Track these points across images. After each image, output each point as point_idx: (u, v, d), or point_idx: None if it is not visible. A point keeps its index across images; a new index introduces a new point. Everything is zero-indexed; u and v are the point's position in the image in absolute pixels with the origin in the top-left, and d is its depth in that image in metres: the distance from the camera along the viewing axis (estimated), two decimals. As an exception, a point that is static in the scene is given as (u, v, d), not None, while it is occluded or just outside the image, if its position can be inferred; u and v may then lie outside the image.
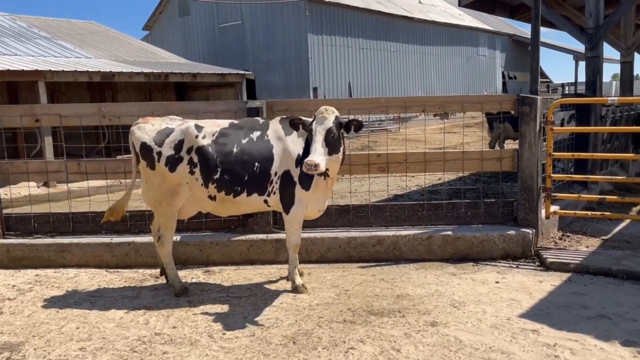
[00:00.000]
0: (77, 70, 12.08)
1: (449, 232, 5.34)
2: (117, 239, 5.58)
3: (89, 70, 12.38)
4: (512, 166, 5.55)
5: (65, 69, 11.91)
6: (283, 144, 4.41)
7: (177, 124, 4.56)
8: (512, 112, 6.13)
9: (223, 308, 4.24)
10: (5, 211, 5.92)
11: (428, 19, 28.79)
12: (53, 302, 4.46)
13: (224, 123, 4.61)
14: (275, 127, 4.53)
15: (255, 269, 5.21)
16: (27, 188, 8.78)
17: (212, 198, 4.46)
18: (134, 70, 13.39)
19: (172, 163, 4.38)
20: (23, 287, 4.86)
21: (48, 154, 10.80)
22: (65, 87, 14.71)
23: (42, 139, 10.86)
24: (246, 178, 4.37)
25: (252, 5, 23.48)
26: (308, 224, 5.62)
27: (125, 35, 21.09)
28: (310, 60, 22.48)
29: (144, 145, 4.43)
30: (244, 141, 4.43)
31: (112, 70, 12.88)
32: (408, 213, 5.63)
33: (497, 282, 4.63)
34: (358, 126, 4.22)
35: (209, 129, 4.48)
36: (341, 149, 4.25)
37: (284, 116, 4.68)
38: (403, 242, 5.33)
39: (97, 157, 11.43)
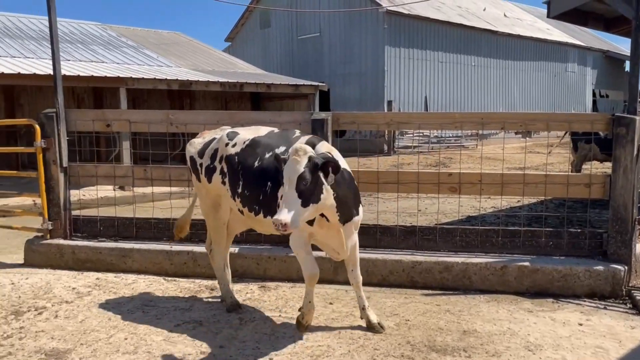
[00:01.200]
0: (156, 77, 12.50)
1: (527, 263, 4.82)
2: (176, 247, 5.52)
3: (168, 78, 12.77)
4: (603, 193, 4.94)
5: (145, 77, 12.36)
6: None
7: (220, 134, 4.38)
8: (601, 133, 5.51)
9: (274, 329, 4.00)
10: (74, 213, 6.06)
11: (513, 32, 27.61)
12: (107, 309, 4.42)
13: (263, 131, 4.27)
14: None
15: (312, 288, 4.94)
16: (105, 191, 9.09)
17: (242, 212, 4.12)
18: (210, 79, 13.68)
19: (209, 173, 4.24)
20: (82, 291, 4.89)
21: (125, 158, 11.19)
22: (146, 95, 15.32)
23: (120, 144, 11.28)
24: (261, 197, 3.92)
25: (330, 17, 23.56)
26: (370, 244, 5.32)
27: (207, 46, 21.80)
28: (386, 73, 22.16)
29: (191, 159, 4.42)
30: (267, 155, 3.99)
31: (190, 79, 13.22)
32: (481, 238, 5.16)
33: (581, 325, 4.07)
34: (335, 168, 3.38)
35: (241, 137, 4.18)
36: (323, 195, 3.42)
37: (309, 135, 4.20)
38: (473, 271, 4.86)
39: (173, 163, 11.76)
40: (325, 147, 3.75)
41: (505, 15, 30.29)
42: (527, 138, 24.38)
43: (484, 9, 28.83)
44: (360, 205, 3.93)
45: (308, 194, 3.32)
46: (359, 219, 3.91)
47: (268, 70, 22.43)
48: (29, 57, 13.10)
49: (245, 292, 4.86)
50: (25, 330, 3.96)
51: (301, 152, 3.37)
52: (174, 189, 6.04)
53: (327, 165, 3.37)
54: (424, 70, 23.70)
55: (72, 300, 4.62)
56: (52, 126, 5.85)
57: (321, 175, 3.37)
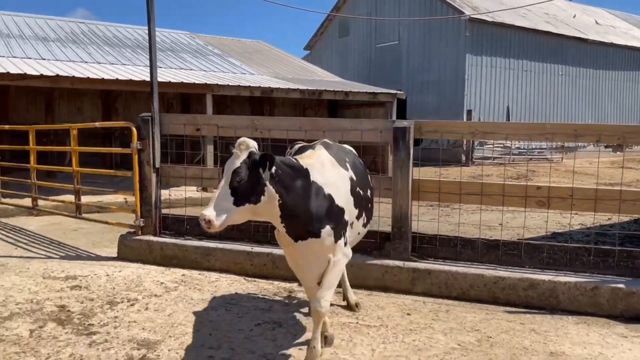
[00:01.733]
0: (240, 85, 12.95)
1: (621, 285, 4.51)
2: (257, 249, 5.68)
3: (251, 85, 13.19)
4: None
5: (230, 84, 12.84)
6: None
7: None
8: None
9: (351, 336, 4.01)
10: (163, 211, 6.40)
11: (605, 40, 26.07)
12: (193, 304, 4.62)
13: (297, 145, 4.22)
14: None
15: (388, 297, 4.91)
16: (189, 192, 9.53)
17: None
18: (290, 87, 13.98)
19: None
20: (169, 286, 5.15)
21: (208, 161, 11.67)
22: (230, 101, 15.91)
23: (204, 147, 11.79)
24: None
25: (410, 25, 23.38)
26: (449, 256, 5.21)
27: (287, 54, 22.31)
28: (466, 81, 21.66)
29: None
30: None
31: (271, 86, 13.58)
32: (570, 256, 4.90)
33: (683, 355, 3.76)
34: (271, 161, 3.05)
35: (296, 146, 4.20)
36: (264, 196, 3.08)
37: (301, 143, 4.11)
38: (562, 290, 4.62)
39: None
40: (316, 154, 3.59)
41: (596, 22, 28.67)
42: (618, 152, 22.89)
43: (574, 16, 27.46)
44: (350, 225, 3.55)
45: (242, 191, 3.01)
46: (331, 241, 3.35)
47: (345, 78, 22.59)
48: (125, 64, 14.02)
49: (323, 297, 4.89)
50: (119, 319, 4.23)
51: (243, 145, 3.08)
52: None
53: (265, 159, 3.02)
54: (507, 79, 22.91)
55: (160, 294, 4.87)
56: (147, 129, 6.22)
57: (267, 174, 3.07)
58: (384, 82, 22.21)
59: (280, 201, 3.15)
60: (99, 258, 6.30)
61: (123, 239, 6.30)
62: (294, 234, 3.31)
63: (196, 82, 12.26)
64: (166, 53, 15.97)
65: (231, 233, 6.11)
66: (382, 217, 5.58)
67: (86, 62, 13.44)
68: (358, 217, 3.75)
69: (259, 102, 16.98)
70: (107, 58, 14.36)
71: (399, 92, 16.34)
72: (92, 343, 3.76)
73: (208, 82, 12.37)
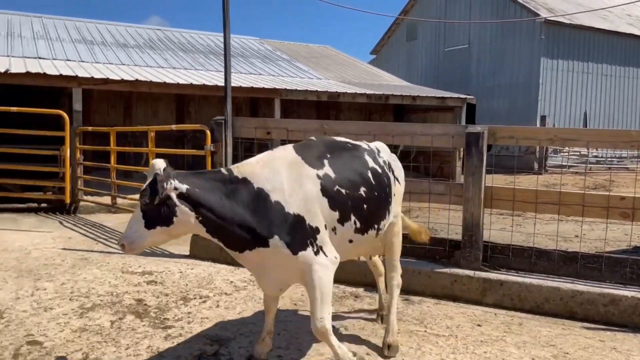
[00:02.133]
0: (308, 89, 13.11)
1: None
2: (323, 252, 5.71)
3: (318, 90, 13.32)
4: None
5: (298, 88, 13.02)
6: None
7: None
8: None
9: (419, 344, 3.95)
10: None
11: (694, 42, 24.26)
12: (261, 304, 4.69)
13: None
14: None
15: (457, 307, 4.79)
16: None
17: None
18: (357, 92, 14.00)
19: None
20: (239, 285, 5.28)
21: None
22: (296, 105, 16.13)
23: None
24: None
25: (481, 28, 22.79)
26: (523, 267, 5.02)
27: (354, 59, 22.36)
28: (540, 86, 20.83)
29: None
30: None
31: (338, 91, 13.65)
32: (656, 273, 4.59)
33: None
34: (161, 182, 2.91)
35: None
36: (176, 216, 2.95)
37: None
38: (647, 308, 4.33)
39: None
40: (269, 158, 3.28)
41: (686, 22, 26.73)
42: None
43: (660, 17, 25.76)
44: (332, 230, 3.26)
45: (151, 215, 2.94)
46: (287, 252, 3.09)
47: (412, 82, 22.33)
48: (198, 69, 14.56)
49: (389, 303, 4.85)
50: (192, 315, 4.38)
51: (151, 167, 3.00)
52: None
53: (155, 182, 2.91)
54: (585, 83, 21.82)
55: (230, 293, 5.00)
56: (221, 132, 6.41)
57: (173, 195, 2.95)
58: (452, 86, 21.76)
59: (200, 218, 3.01)
60: (172, 255, 6.55)
61: (195, 237, 6.52)
62: (234, 246, 3.16)
63: (265, 86, 12.53)
64: (237, 58, 16.43)
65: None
66: (451, 224, 5.47)
67: (162, 67, 14.07)
68: (343, 221, 3.30)
69: (325, 106, 17.12)
70: (181, 63, 14.97)
71: (468, 96, 15.96)
72: (167, 336, 3.92)
73: (277, 87, 12.61)
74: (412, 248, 5.53)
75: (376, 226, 3.58)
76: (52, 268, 5.69)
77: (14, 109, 8.53)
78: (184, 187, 2.97)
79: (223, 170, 3.21)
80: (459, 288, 4.99)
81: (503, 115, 21.56)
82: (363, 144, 3.82)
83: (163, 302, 4.69)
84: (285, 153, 3.31)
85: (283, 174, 3.16)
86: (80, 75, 10.34)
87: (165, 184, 2.91)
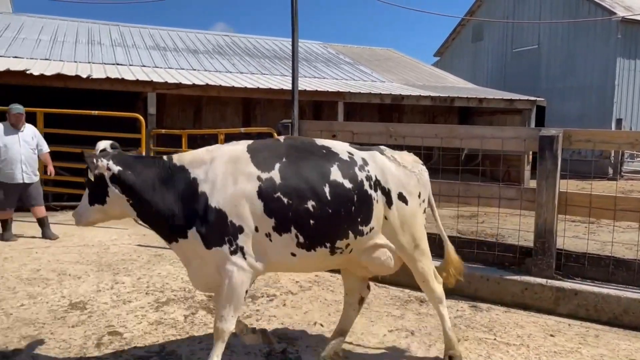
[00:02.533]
0: (371, 92, 13.10)
1: None
2: (388, 255, 5.69)
3: (381, 92, 13.29)
4: None
5: (362, 91, 13.04)
6: None
7: None
8: None
9: (489, 352, 3.86)
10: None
11: None
12: (327, 305, 4.77)
13: None
14: None
15: (528, 316, 4.64)
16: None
17: None
18: (421, 94, 13.83)
19: None
20: (304, 285, 5.35)
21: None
22: (359, 108, 16.14)
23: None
24: None
25: (551, 28, 21.92)
26: (600, 277, 4.80)
27: (417, 61, 22.11)
28: (616, 87, 19.76)
29: None
30: None
31: (402, 94, 13.56)
32: None
33: None
34: (92, 163, 3.05)
35: None
36: (108, 197, 3.10)
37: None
38: None
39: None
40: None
41: None
42: None
43: None
44: (266, 235, 3.08)
45: (91, 192, 3.16)
46: (201, 246, 3.06)
47: (477, 84, 21.78)
48: (264, 74, 14.90)
49: (456, 310, 4.77)
50: (260, 313, 4.49)
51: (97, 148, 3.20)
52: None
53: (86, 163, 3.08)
54: (666, 85, 20.48)
55: (296, 292, 5.09)
56: (287, 134, 6.54)
57: (106, 175, 3.06)
58: (520, 88, 21.04)
59: (131, 201, 3.10)
60: (239, 254, 6.74)
61: (261, 237, 6.67)
62: (163, 235, 3.22)
63: (329, 90, 12.64)
64: (301, 63, 16.64)
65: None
66: (520, 230, 5.31)
67: (230, 72, 14.50)
68: (280, 231, 3.09)
69: (388, 109, 17.02)
70: (248, 68, 15.36)
71: (538, 98, 15.38)
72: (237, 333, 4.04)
73: (341, 90, 12.69)
74: (479, 254, 5.43)
75: (329, 245, 3.18)
76: (129, 263, 6.00)
77: (95, 112, 9.06)
78: (116, 169, 3.07)
79: (165, 157, 3.23)
80: (530, 296, 4.83)
81: (574, 118, 20.61)
82: (345, 152, 3.34)
83: (232, 299, 4.83)
84: (234, 148, 3.25)
85: (220, 167, 3.09)
86: (155, 80, 10.86)
87: (95, 161, 3.04)
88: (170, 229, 3.12)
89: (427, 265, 3.54)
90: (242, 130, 8.33)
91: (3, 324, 4.07)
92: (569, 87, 21.40)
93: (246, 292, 3.14)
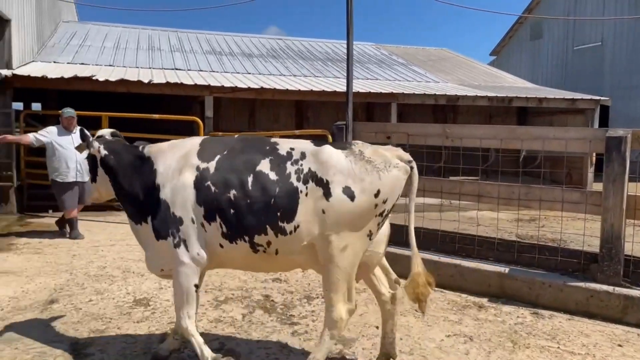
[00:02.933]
0: (426, 93, 12.92)
1: None
2: (444, 259, 5.60)
3: (436, 93, 13.08)
4: None
5: (416, 92, 12.89)
6: None
7: None
8: None
9: (552, 361, 3.73)
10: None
11: None
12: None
13: None
14: None
15: (594, 325, 4.45)
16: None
17: None
18: (478, 94, 13.51)
19: None
20: (358, 287, 5.29)
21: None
22: (412, 109, 15.95)
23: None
24: None
25: (617, 24, 20.90)
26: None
27: (473, 60, 21.62)
28: (689, 85, 18.59)
29: None
30: None
31: (457, 94, 13.29)
32: None
33: None
34: (79, 146, 3.76)
35: None
36: (98, 177, 3.62)
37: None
38: None
39: (432, 176, 11.98)
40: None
41: None
42: None
43: None
44: (199, 225, 3.18)
45: (90, 170, 3.69)
46: (151, 235, 3.31)
47: (536, 83, 21.05)
48: (317, 76, 14.98)
49: (516, 316, 4.64)
50: (316, 314, 4.52)
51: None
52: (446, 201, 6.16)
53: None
54: None
55: (351, 294, 5.08)
56: (341, 136, 6.55)
57: (97, 157, 3.57)
58: (581, 87, 20.18)
59: (111, 182, 3.54)
60: (293, 255, 6.80)
61: (315, 239, 6.71)
62: (129, 215, 3.51)
63: (382, 91, 12.57)
64: (354, 64, 16.66)
65: (418, 242, 6.12)
66: (585, 235, 5.09)
67: (284, 75, 14.68)
68: (209, 219, 3.16)
69: (442, 110, 16.73)
70: (301, 71, 15.50)
71: (603, 98, 14.69)
72: (294, 333, 4.09)
73: (394, 92, 12.59)
74: (540, 259, 5.26)
75: (248, 239, 3.13)
76: (188, 262, 6.18)
77: (156, 116, 9.40)
78: (103, 153, 3.55)
79: (140, 147, 3.55)
80: (596, 304, 4.63)
81: (642, 118, 19.58)
82: (287, 148, 3.26)
83: (288, 299, 4.90)
84: (191, 142, 3.43)
85: (173, 160, 3.32)
86: (212, 84, 11.14)
87: (88, 144, 3.60)
88: (134, 213, 3.44)
89: (344, 277, 3.13)
90: (297, 132, 8.42)
91: (73, 318, 4.29)
92: (636, 87, 20.33)
93: (197, 286, 3.30)
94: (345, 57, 17.42)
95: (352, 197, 3.04)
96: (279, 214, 3.08)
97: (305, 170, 3.12)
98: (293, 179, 3.11)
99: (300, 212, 3.06)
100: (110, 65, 13.13)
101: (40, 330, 4.01)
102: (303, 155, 3.18)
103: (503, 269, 5.23)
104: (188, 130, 10.33)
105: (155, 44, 16.53)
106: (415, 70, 17.52)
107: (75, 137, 7.46)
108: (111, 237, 7.56)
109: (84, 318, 4.29)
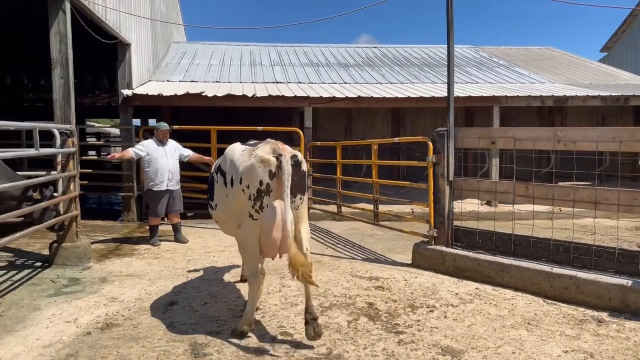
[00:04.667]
0: (531, 95, 12.29)
1: None
2: (557, 270, 5.29)
3: (542, 94, 12.40)
4: None
5: (520, 94, 12.31)
6: None
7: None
8: None
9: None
10: (455, 223, 6.52)
11: None
12: (491, 319, 4.57)
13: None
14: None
15: None
16: (473, 205, 9.50)
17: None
18: (589, 94, 12.63)
19: None
20: (464, 297, 5.20)
21: (494, 174, 11.40)
22: (515, 112, 15.25)
23: (490, 160, 11.56)
24: None
25: None
26: None
27: (582, 58, 20.25)
28: None
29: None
30: None
31: (566, 94, 12.51)
32: None
33: None
34: None
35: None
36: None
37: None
38: None
39: (539, 181, 11.33)
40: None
41: None
42: None
43: None
44: None
45: None
46: None
47: (657, 79, 19.24)
48: (413, 82, 14.82)
49: None
50: (421, 324, 4.46)
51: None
52: (556, 208, 5.81)
53: None
54: None
55: (457, 305, 4.96)
56: (443, 143, 6.44)
57: None
58: None
59: None
60: (394, 263, 6.77)
61: (417, 247, 6.64)
62: None
63: (483, 94, 12.15)
64: (451, 68, 16.29)
65: (527, 250, 5.85)
66: None
67: (380, 82, 14.68)
68: None
69: (548, 112, 15.82)
70: (397, 78, 15.42)
71: None
72: (400, 341, 4.07)
73: (496, 94, 12.12)
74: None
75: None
76: (293, 268, 6.37)
77: (259, 128, 9.82)
78: None
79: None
80: None
81: None
82: (238, 146, 4.34)
83: (392, 307, 4.88)
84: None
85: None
86: (311, 95, 11.42)
87: None
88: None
89: (242, 248, 4.24)
90: (396, 140, 8.36)
91: (191, 319, 4.59)
92: None
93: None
94: (443, 61, 17.03)
95: (232, 184, 4.06)
96: (211, 195, 4.51)
97: (217, 164, 4.47)
98: (213, 170, 4.56)
99: (216, 195, 4.36)
100: (216, 82, 13.93)
101: (162, 330, 4.34)
102: (223, 152, 4.40)
103: (625, 281, 4.84)
104: (288, 140, 10.67)
105: (257, 59, 17.28)
106: (518, 72, 16.75)
107: (167, 149, 8.02)
108: (220, 244, 7.98)
109: (201, 320, 4.57)
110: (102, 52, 11.40)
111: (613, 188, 5.30)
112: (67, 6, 6.97)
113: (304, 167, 4.07)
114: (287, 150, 3.98)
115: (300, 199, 4.08)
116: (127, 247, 7.76)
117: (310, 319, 4.00)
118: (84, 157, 13.79)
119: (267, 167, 3.85)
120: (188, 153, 8.39)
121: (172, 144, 8.22)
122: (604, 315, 4.67)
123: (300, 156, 4.02)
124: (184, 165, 8.55)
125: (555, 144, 5.66)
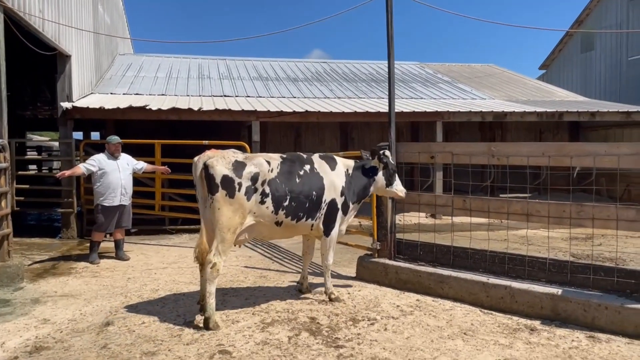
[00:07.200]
0: (472, 110, 12.74)
1: None
2: (493, 280, 5.48)
3: (482, 110, 12.88)
4: None
5: (461, 110, 12.74)
6: (329, 176, 5.36)
7: (242, 157, 5.03)
8: None
9: (609, 388, 3.56)
10: (398, 236, 6.64)
11: None
12: (429, 330, 4.67)
13: (277, 157, 5.21)
14: (319, 162, 5.41)
15: (656, 350, 4.22)
16: (418, 217, 9.70)
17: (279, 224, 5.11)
18: (526, 110, 13.22)
19: (249, 193, 4.85)
20: (405, 309, 5.29)
21: (438, 188, 11.70)
22: (458, 127, 15.75)
23: (434, 174, 11.87)
24: (307, 205, 5.16)
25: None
26: None
27: (521, 76, 21.19)
28: None
29: (225, 177, 4.79)
30: (301, 173, 5.20)
31: (505, 110, 13.04)
32: None
33: None
34: None
35: (274, 163, 5.09)
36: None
37: (322, 153, 5.66)
38: None
39: (481, 194, 11.74)
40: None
41: None
42: None
43: None
44: None
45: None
46: None
47: (588, 96, 20.39)
48: (361, 97, 15.08)
49: (571, 340, 4.46)
50: (362, 337, 4.50)
51: None
52: (497, 220, 6.04)
53: None
54: None
55: (397, 317, 5.04)
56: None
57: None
58: (638, 100, 19.36)
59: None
60: (339, 276, 6.81)
61: (361, 260, 6.71)
62: None
63: (427, 110, 12.50)
64: (398, 84, 16.67)
65: (466, 262, 6.03)
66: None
67: (328, 97, 14.86)
68: None
69: (489, 127, 16.43)
70: (345, 93, 15.65)
71: (660, 109, 14.03)
72: (339, 356, 4.09)
73: (439, 110, 12.50)
74: (596, 280, 5.06)
75: None
76: (237, 284, 6.30)
77: (205, 142, 9.71)
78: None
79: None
80: (658, 328, 4.39)
81: None
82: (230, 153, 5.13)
83: (334, 321, 4.90)
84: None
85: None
86: (258, 109, 11.41)
87: (380, 157, 5.94)
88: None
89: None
90: (341, 154, 8.45)
91: (127, 340, 4.45)
92: (699, 95, 19.33)
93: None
94: (390, 77, 17.38)
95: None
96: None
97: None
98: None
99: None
100: (162, 95, 13.69)
101: (95, 352, 4.18)
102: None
103: (556, 290, 5.06)
104: (236, 154, 10.58)
105: (205, 72, 17.13)
106: (461, 88, 17.34)
107: (120, 163, 7.81)
108: (164, 260, 7.80)
109: (137, 340, 4.44)
110: (43, 63, 11.00)
111: (544, 201, 5.55)
112: (0, 17, 6.72)
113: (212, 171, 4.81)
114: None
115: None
116: (64, 266, 7.46)
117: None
118: (21, 172, 13.21)
119: (196, 170, 5.10)
120: (142, 165, 8.19)
121: (124, 157, 8.00)
122: (537, 323, 4.86)
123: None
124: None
125: (489, 159, 5.88)
